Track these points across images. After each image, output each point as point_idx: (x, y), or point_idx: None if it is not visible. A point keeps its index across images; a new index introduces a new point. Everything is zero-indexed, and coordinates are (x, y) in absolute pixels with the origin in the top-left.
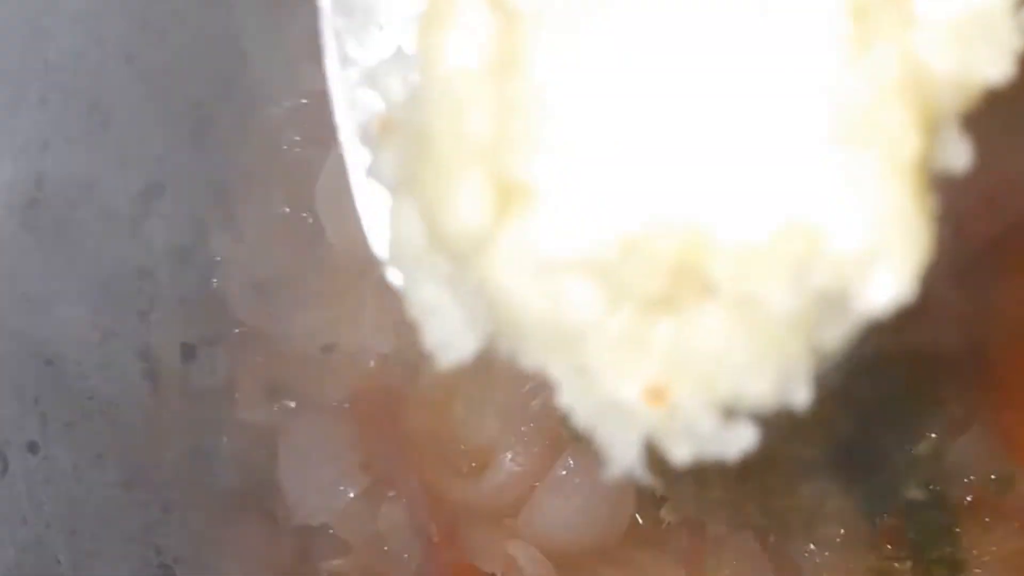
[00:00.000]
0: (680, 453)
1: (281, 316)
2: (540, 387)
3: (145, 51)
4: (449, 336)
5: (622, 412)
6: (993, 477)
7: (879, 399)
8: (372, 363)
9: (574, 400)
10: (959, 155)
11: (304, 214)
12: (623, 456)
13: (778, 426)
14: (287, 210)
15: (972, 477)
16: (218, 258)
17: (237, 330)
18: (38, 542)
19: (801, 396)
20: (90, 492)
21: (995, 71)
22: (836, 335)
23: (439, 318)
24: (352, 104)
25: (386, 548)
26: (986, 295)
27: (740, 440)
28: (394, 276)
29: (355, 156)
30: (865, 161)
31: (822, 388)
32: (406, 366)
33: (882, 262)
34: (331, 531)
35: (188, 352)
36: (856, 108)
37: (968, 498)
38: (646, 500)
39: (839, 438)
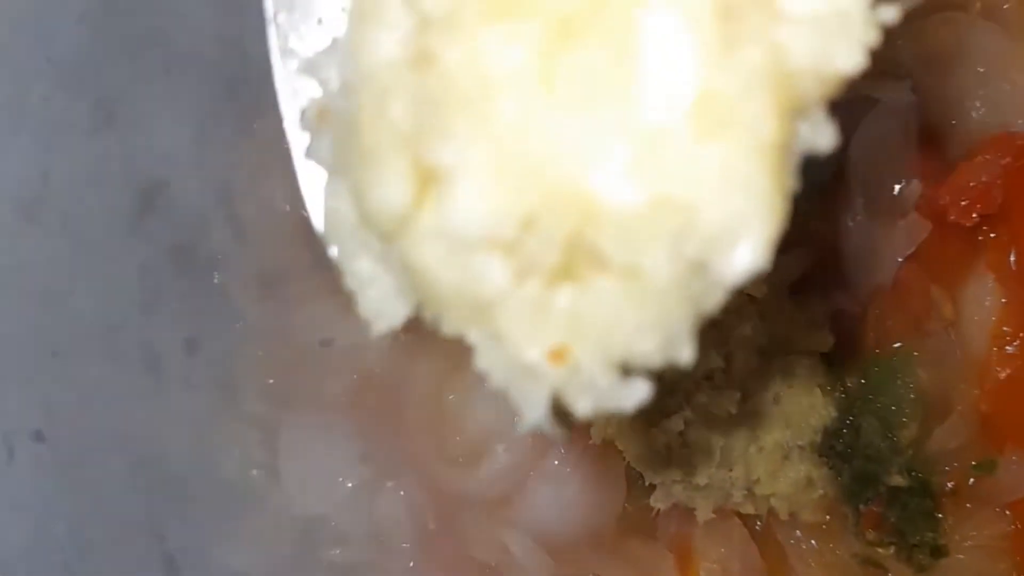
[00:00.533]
0: (582, 407)
1: (281, 311)
2: None
3: (148, 50)
4: (382, 305)
5: (530, 373)
6: (974, 463)
7: (862, 385)
8: (370, 356)
9: (489, 363)
10: (824, 136)
11: (304, 212)
12: (533, 411)
13: (764, 414)
14: (287, 207)
15: (954, 464)
16: (220, 254)
17: (239, 324)
18: (43, 530)
19: (685, 354)
20: (94, 481)
21: (849, 63)
22: (713, 299)
23: (372, 289)
24: (293, 92)
25: (384, 538)
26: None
27: (635, 394)
28: (332, 250)
29: (297, 139)
30: (730, 145)
31: (807, 379)
32: (403, 359)
33: (741, 236)
34: (330, 521)
35: (191, 346)
36: (723, 97)
37: (949, 484)
38: (636, 489)
39: (824, 426)
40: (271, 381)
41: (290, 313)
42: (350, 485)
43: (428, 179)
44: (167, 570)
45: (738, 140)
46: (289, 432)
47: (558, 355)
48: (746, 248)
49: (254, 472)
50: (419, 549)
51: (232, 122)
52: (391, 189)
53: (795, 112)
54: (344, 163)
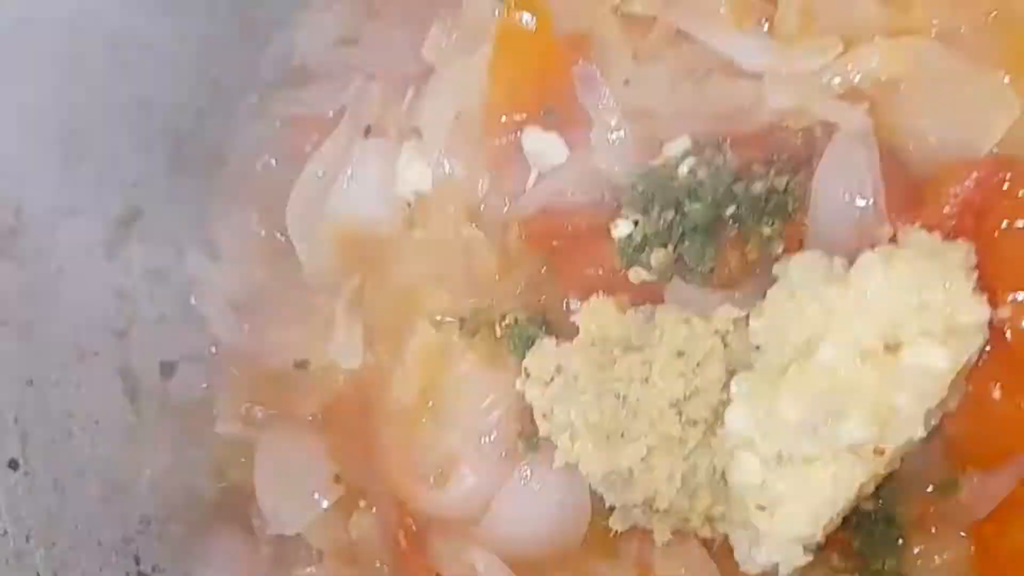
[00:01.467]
0: None
1: (256, 333)
2: (498, 401)
3: (120, 83)
4: None
5: None
6: (936, 485)
7: None
8: (342, 378)
9: None
10: None
11: (278, 234)
12: None
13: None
14: (262, 232)
15: (920, 488)
16: (195, 278)
17: (214, 347)
18: (18, 555)
19: None
20: (70, 506)
21: None
22: None
23: None
24: None
25: (357, 556)
26: None
27: None
28: None
29: None
30: None
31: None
32: (375, 381)
33: None
34: (305, 540)
35: (167, 369)
36: None
37: (914, 509)
38: (598, 510)
39: None
40: (246, 402)
41: (265, 335)
42: (324, 504)
43: None
44: None
45: None
46: (264, 452)
47: None
48: None
49: (230, 493)
50: (391, 567)
51: (204, 148)
52: None
53: None
54: None
